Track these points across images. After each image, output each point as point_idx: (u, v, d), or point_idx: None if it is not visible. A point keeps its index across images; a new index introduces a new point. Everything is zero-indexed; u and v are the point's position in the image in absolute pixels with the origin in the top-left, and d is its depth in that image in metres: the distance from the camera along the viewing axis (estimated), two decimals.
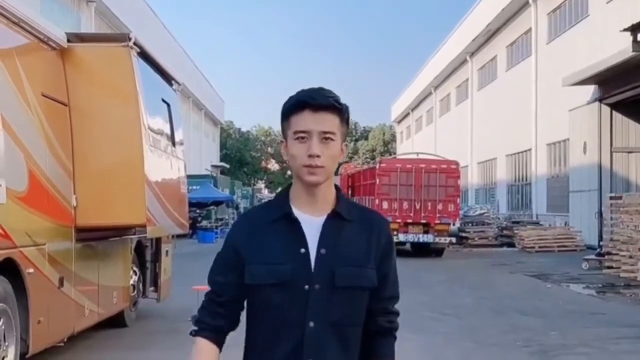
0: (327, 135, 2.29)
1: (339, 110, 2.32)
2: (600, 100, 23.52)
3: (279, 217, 2.34)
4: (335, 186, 2.42)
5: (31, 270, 6.59)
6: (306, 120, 2.29)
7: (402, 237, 23.10)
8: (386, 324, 2.43)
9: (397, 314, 2.47)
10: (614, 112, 23.63)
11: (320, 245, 2.30)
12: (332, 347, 2.28)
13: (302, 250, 2.29)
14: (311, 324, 2.26)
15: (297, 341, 2.26)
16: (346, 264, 2.30)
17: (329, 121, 2.30)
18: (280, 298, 2.27)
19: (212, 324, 2.39)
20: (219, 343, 2.41)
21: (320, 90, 2.34)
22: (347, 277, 2.29)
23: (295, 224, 2.31)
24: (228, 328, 2.41)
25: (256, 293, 2.32)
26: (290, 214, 2.33)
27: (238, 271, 2.34)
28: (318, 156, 2.27)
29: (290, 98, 2.34)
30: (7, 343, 6.28)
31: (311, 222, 2.33)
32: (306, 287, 2.26)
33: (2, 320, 6.18)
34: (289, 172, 79.50)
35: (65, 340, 7.76)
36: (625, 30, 18.34)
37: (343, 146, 2.38)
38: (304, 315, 2.26)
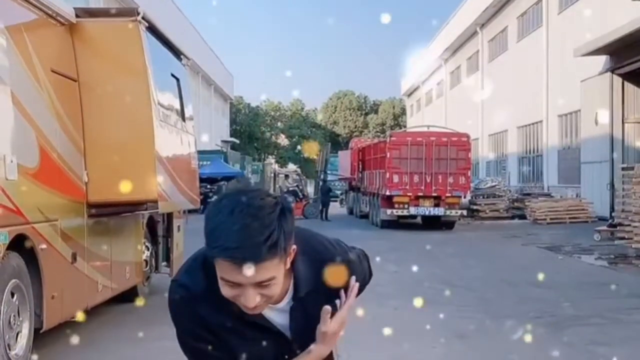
0: (265, 283, 1.90)
1: (275, 252, 1.87)
2: (612, 70, 23.34)
3: (234, 321, 2.04)
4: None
5: (44, 246, 6.62)
6: (234, 272, 1.85)
7: (412, 210, 23.17)
8: None
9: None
10: (625, 82, 23.47)
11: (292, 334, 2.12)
12: None
13: (275, 331, 2.10)
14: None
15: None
16: (314, 328, 2.09)
17: (264, 270, 1.86)
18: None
19: None
20: None
21: (246, 236, 1.82)
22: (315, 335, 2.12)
23: (254, 324, 2.05)
24: None
25: None
26: (244, 317, 2.00)
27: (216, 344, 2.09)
28: (256, 307, 1.94)
29: (210, 238, 1.86)
30: (21, 318, 6.33)
31: (268, 311, 2.07)
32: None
33: (16, 296, 6.22)
34: (298, 147, 79.46)
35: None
36: None
37: (288, 260, 1.97)
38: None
